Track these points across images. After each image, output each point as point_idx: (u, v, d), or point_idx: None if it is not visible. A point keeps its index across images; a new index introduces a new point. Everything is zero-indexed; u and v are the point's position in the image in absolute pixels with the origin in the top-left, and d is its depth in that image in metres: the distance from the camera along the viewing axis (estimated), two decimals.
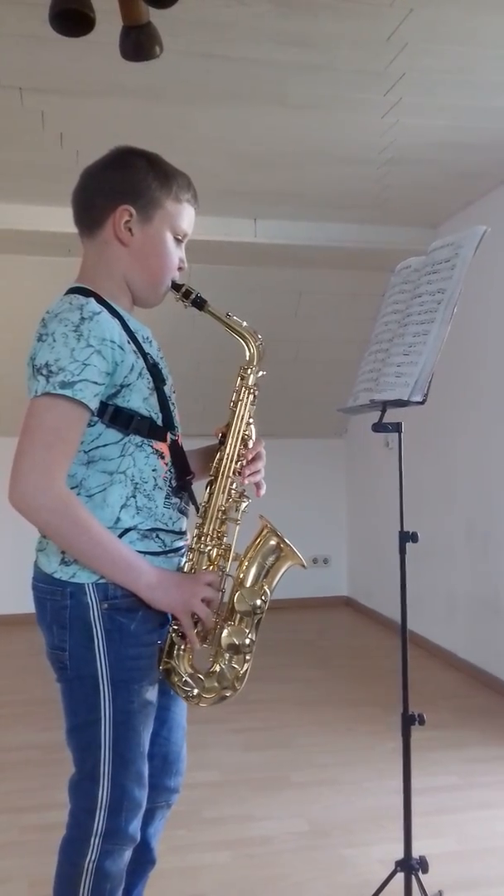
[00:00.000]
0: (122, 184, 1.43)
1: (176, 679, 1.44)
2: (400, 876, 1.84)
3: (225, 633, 1.43)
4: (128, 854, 1.43)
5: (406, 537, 1.83)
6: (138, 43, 2.01)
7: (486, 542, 3.91)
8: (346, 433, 5.83)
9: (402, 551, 1.84)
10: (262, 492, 1.56)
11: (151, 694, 1.42)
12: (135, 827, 1.41)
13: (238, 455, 1.50)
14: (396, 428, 1.81)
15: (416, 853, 1.84)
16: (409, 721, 1.82)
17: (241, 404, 1.52)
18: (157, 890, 1.90)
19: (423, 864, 1.83)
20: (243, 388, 1.53)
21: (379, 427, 1.79)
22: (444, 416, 4.14)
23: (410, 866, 1.83)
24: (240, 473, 1.50)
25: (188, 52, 2.51)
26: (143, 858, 1.57)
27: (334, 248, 4.31)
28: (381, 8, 2.30)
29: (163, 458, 1.43)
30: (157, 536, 1.42)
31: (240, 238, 4.12)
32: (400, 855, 1.85)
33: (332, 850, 2.32)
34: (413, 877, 1.82)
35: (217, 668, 1.45)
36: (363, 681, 3.98)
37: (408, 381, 1.71)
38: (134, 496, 1.39)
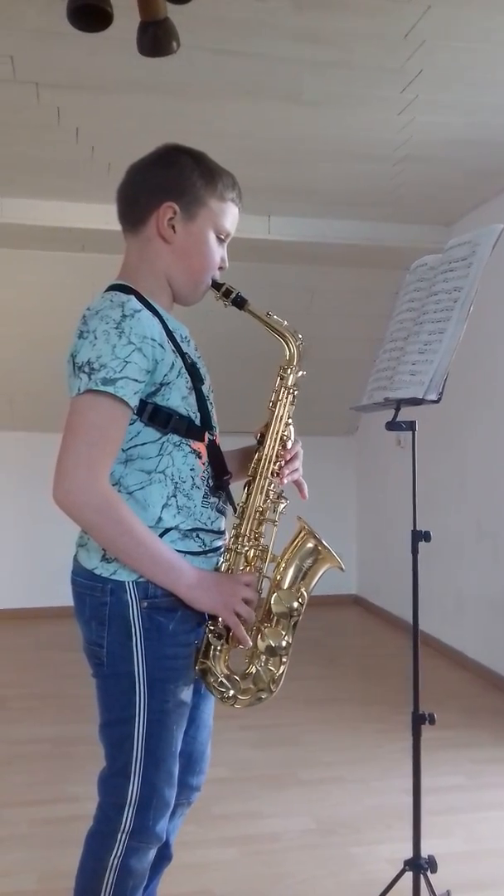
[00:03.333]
0: (167, 181, 1.42)
1: (212, 679, 1.43)
2: (408, 875, 1.84)
3: (261, 635, 1.43)
4: (152, 853, 1.44)
5: (419, 536, 1.82)
6: (155, 38, 2.01)
7: (497, 542, 3.90)
8: (357, 431, 5.82)
9: (415, 551, 1.84)
10: (306, 493, 1.56)
11: (186, 694, 1.42)
12: (161, 827, 1.42)
13: (276, 455, 1.50)
14: (410, 426, 1.81)
15: (424, 853, 1.84)
16: (419, 720, 1.81)
17: (281, 404, 1.52)
18: (165, 885, 1.90)
19: (431, 864, 1.82)
20: (282, 389, 1.53)
21: (393, 425, 1.78)
22: (456, 415, 4.13)
23: (419, 866, 1.82)
24: (278, 474, 1.50)
25: (205, 48, 2.51)
26: (160, 854, 1.57)
27: (348, 246, 4.31)
28: (398, 4, 2.29)
29: (200, 457, 1.43)
30: (198, 536, 1.42)
31: (253, 235, 4.11)
32: (408, 854, 1.85)
33: (340, 849, 2.32)
34: (421, 876, 1.82)
35: (253, 670, 1.44)
36: (371, 679, 3.98)
37: (423, 379, 1.71)
38: (174, 495, 1.39)
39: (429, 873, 1.82)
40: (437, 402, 1.71)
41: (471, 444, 4.16)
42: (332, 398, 5.18)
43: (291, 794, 2.68)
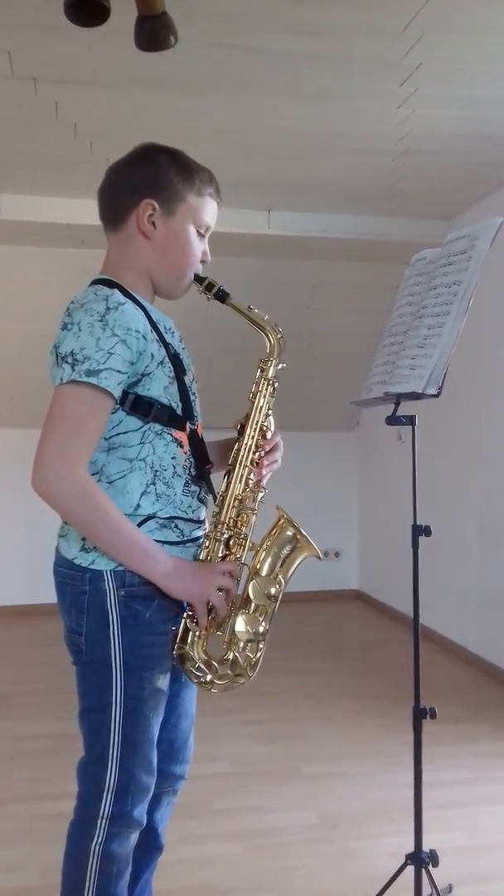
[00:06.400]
0: (145, 179, 1.45)
1: (189, 665, 1.45)
2: (410, 869, 1.84)
3: (239, 621, 1.45)
4: (134, 837, 1.46)
5: (419, 531, 1.82)
6: (153, 33, 2.01)
7: (499, 537, 3.90)
8: (358, 426, 5.82)
9: (416, 545, 1.84)
10: (262, 484, 1.56)
11: (163, 682, 1.44)
12: (140, 812, 1.44)
13: (256, 445, 1.52)
14: (410, 421, 1.81)
15: (426, 847, 1.84)
16: (420, 714, 1.82)
17: (261, 395, 1.54)
18: (167, 879, 1.91)
19: (433, 858, 1.83)
20: (263, 380, 1.55)
21: (393, 420, 1.78)
22: (457, 409, 4.12)
23: (421, 859, 1.83)
24: (258, 464, 1.52)
25: (203, 42, 2.50)
26: (151, 844, 1.59)
27: (348, 240, 4.30)
28: None
29: (182, 446, 1.45)
30: (176, 526, 1.44)
31: (253, 230, 4.11)
32: (410, 848, 1.85)
33: (342, 843, 2.33)
34: (423, 870, 1.82)
35: (230, 656, 1.46)
36: (373, 674, 3.98)
37: (422, 373, 1.70)
38: (154, 483, 1.41)
39: (430, 867, 1.83)
40: (436, 396, 1.71)
41: (471, 438, 4.16)
42: (333, 393, 5.18)
43: (294, 789, 2.68)
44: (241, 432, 1.54)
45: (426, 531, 1.81)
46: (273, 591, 1.46)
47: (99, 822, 1.40)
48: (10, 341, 4.73)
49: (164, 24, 2.00)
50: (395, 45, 2.54)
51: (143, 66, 2.53)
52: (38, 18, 2.34)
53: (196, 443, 1.49)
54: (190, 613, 1.43)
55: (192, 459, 1.47)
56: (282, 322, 1.58)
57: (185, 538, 1.46)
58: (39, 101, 2.89)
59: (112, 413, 1.37)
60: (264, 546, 1.51)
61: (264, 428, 1.54)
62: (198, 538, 1.49)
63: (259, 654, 1.47)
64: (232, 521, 1.49)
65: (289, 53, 2.59)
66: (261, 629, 1.45)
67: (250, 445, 1.52)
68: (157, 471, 1.42)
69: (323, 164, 3.55)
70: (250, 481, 1.51)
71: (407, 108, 3.00)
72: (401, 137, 3.26)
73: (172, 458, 1.43)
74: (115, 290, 1.38)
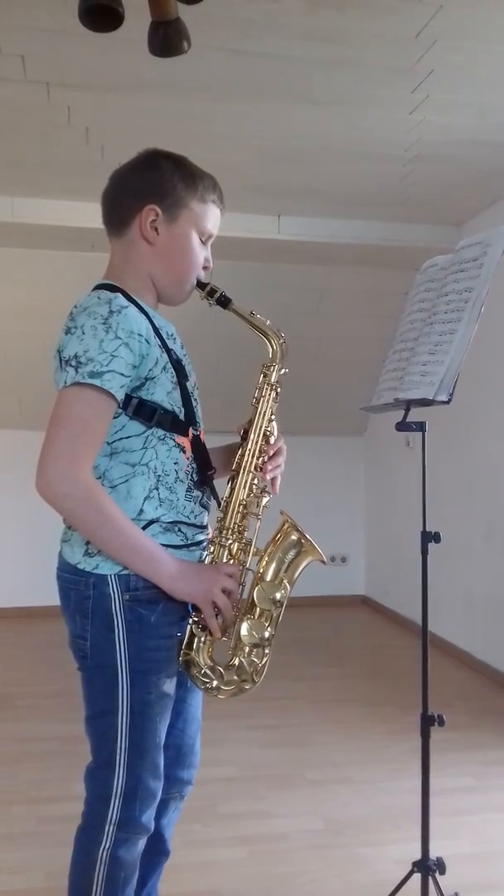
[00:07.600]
0: (148, 184, 1.46)
1: (195, 671, 1.45)
2: (416, 876, 1.84)
3: (244, 626, 1.45)
4: (141, 843, 1.45)
5: (428, 537, 1.82)
6: (166, 38, 2.01)
7: None
8: (366, 432, 5.81)
9: (424, 551, 1.83)
10: (277, 490, 1.56)
11: (169, 686, 1.44)
12: (148, 817, 1.44)
13: (260, 451, 1.52)
14: (420, 427, 1.80)
15: (432, 854, 1.83)
16: (428, 721, 1.81)
17: (264, 401, 1.54)
18: (172, 884, 1.91)
19: (440, 866, 1.82)
20: (265, 385, 1.55)
21: (403, 426, 1.78)
22: (466, 416, 4.11)
23: (428, 867, 1.82)
24: (261, 469, 1.52)
25: (216, 48, 2.51)
26: (157, 849, 1.58)
27: (357, 246, 4.30)
28: (410, 4, 2.28)
29: (184, 452, 1.45)
30: (179, 530, 1.44)
31: (263, 235, 4.11)
32: (416, 855, 1.85)
33: (348, 849, 2.32)
34: (430, 878, 1.82)
35: (236, 662, 1.46)
36: (379, 680, 3.97)
37: (433, 380, 1.70)
38: (157, 488, 1.41)
39: (437, 875, 1.82)
40: (447, 402, 1.71)
41: (480, 445, 4.15)
42: (341, 398, 5.18)
43: (299, 795, 2.68)
44: (245, 437, 1.53)
45: (435, 538, 1.81)
46: (278, 596, 1.46)
47: (106, 827, 1.39)
48: (20, 344, 4.75)
49: (177, 29, 2.01)
50: (407, 52, 2.54)
51: (155, 71, 2.54)
52: (51, 23, 2.36)
53: (198, 448, 1.48)
54: (195, 619, 1.43)
55: (194, 465, 1.47)
56: (289, 327, 1.58)
57: (189, 542, 1.46)
58: (52, 105, 2.91)
59: (115, 417, 1.37)
60: (269, 551, 1.51)
61: (267, 433, 1.54)
62: (200, 542, 1.50)
63: (265, 660, 1.46)
64: (236, 526, 1.49)
65: (301, 59, 2.60)
66: (266, 634, 1.45)
67: (254, 451, 1.52)
68: (159, 476, 1.42)
69: (333, 170, 3.56)
70: (254, 486, 1.51)
71: (418, 115, 3.00)
72: (412, 143, 3.26)
73: (175, 464, 1.44)
74: (118, 294, 1.38)
